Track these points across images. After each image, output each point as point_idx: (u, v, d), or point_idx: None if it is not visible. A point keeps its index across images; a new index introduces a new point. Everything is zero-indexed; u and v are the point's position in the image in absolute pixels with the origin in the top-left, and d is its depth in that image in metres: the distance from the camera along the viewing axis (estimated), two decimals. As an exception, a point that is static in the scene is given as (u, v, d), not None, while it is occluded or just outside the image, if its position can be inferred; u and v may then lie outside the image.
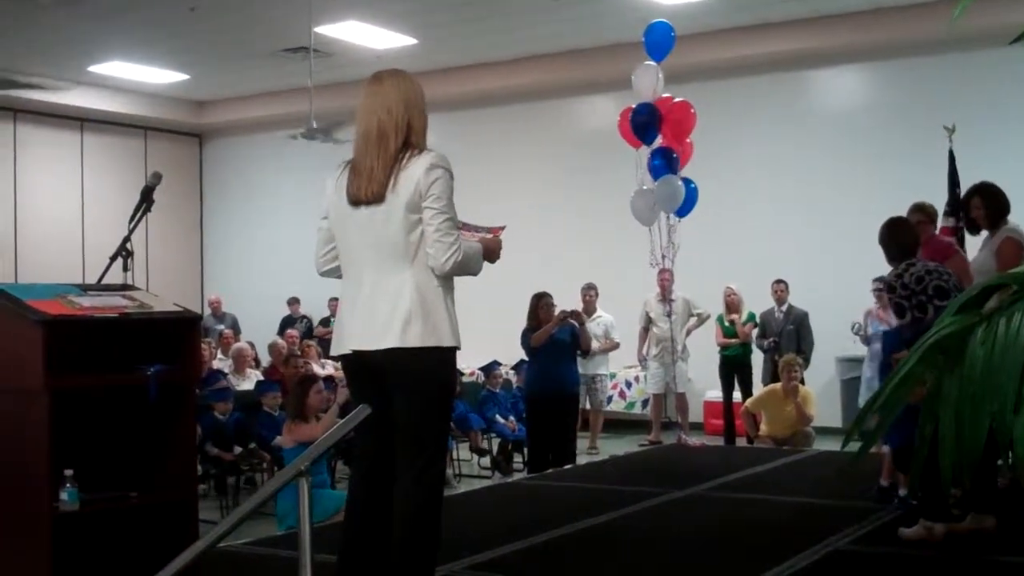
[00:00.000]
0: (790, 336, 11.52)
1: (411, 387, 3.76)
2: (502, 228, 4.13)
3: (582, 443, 11.44)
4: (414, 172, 3.73)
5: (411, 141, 3.79)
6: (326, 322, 15.39)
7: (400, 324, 3.71)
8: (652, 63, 9.74)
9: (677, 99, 9.87)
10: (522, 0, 11.78)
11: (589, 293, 11.21)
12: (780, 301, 11.78)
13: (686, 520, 6.27)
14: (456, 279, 3.89)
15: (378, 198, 3.75)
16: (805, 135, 13.25)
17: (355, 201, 3.81)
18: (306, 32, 11.98)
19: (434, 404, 3.83)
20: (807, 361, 11.30)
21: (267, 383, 10.08)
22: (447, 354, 3.80)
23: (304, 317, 15.68)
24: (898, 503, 5.98)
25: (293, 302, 15.74)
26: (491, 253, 4.00)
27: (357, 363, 3.88)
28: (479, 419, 10.58)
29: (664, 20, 9.99)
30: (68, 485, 4.45)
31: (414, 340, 3.71)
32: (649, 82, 9.67)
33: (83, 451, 4.65)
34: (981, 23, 10.28)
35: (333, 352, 4.06)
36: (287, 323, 15.35)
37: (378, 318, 3.76)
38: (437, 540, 3.84)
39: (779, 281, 11.80)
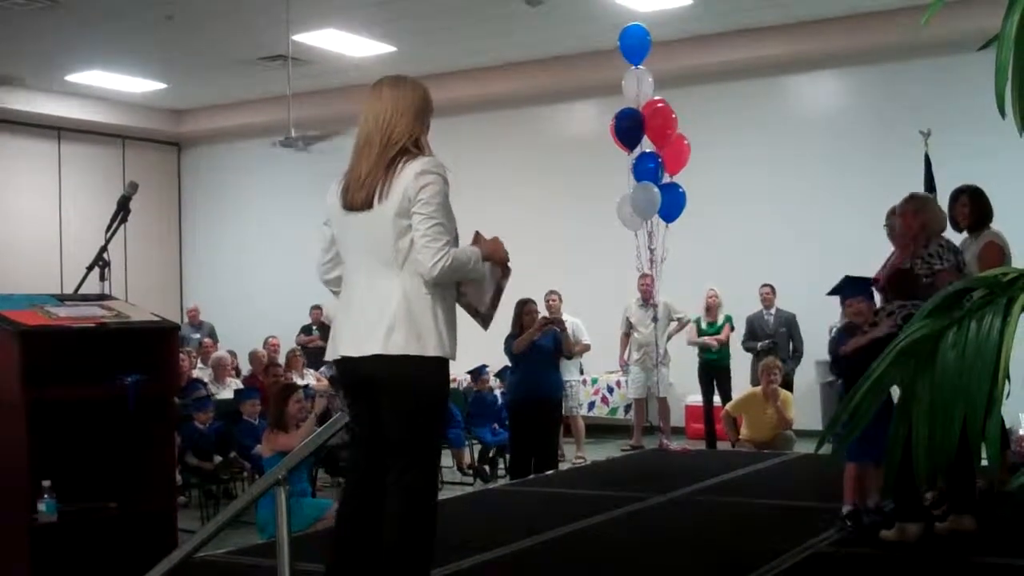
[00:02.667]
0: (783, 338, 11.59)
1: (394, 396, 3.71)
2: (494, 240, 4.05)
3: (568, 451, 11.44)
4: (404, 178, 3.70)
5: (406, 147, 3.75)
6: (307, 330, 15.33)
7: (383, 331, 3.66)
8: (642, 68, 9.77)
9: (659, 104, 9.90)
10: (500, 8, 11.79)
11: (552, 298, 11.24)
12: (767, 304, 11.83)
13: (668, 524, 6.28)
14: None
15: (367, 204, 3.73)
16: (784, 140, 13.32)
17: (349, 207, 3.80)
18: (284, 40, 11.96)
19: (419, 414, 3.73)
20: (798, 361, 11.44)
21: (246, 391, 10.04)
22: (432, 364, 3.70)
23: (322, 324, 15.48)
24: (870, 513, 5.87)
25: (316, 308, 15.53)
26: (494, 254, 3.94)
27: (348, 368, 3.85)
28: (461, 436, 10.56)
29: (639, 24, 10.00)
30: (46, 496, 4.44)
31: (396, 348, 3.65)
32: (639, 87, 9.72)
33: (61, 462, 4.63)
34: (953, 29, 10.37)
35: (327, 357, 4.06)
36: (306, 331, 15.26)
37: (365, 324, 3.72)
38: (428, 554, 3.77)
39: (766, 285, 11.85)
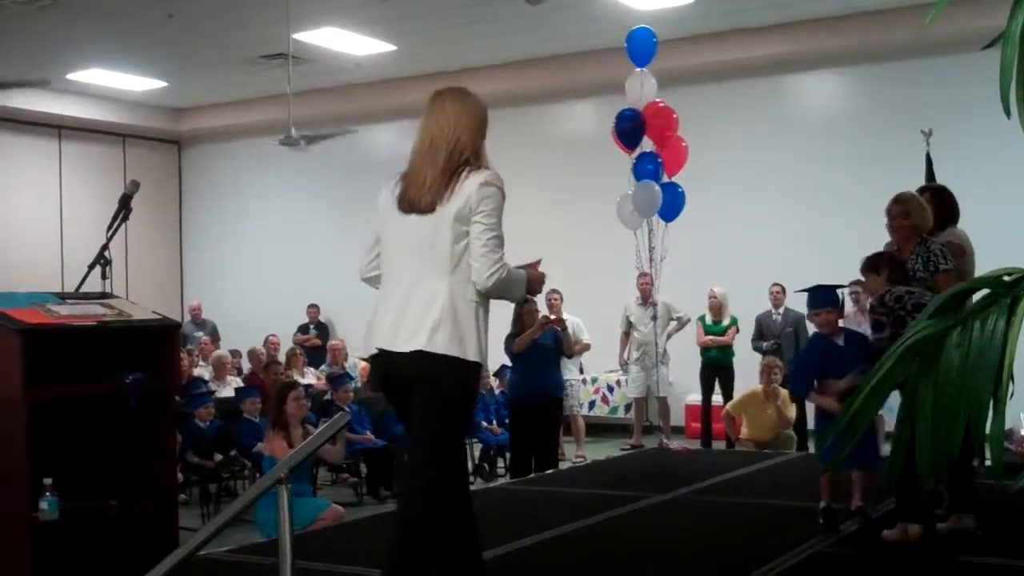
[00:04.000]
0: (789, 338, 11.53)
1: (429, 392, 3.78)
2: (539, 261, 4.18)
3: (568, 450, 11.44)
4: (468, 186, 3.77)
5: (468, 159, 3.84)
6: (305, 329, 15.35)
7: (428, 329, 3.73)
8: (644, 69, 9.76)
9: (661, 105, 9.88)
10: (500, 7, 11.79)
11: (553, 297, 11.25)
12: (777, 304, 11.78)
13: (668, 524, 6.28)
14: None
15: (430, 209, 3.79)
16: (784, 139, 13.32)
17: (408, 209, 3.85)
18: (284, 39, 11.96)
19: (449, 414, 3.81)
20: None
21: (247, 389, 10.05)
22: (468, 367, 3.78)
23: (320, 323, 15.55)
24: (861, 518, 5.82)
25: (312, 307, 15.60)
26: (535, 283, 4.04)
27: (384, 363, 3.90)
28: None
29: (646, 26, 10.00)
30: (48, 494, 4.44)
31: (439, 346, 3.72)
32: (642, 88, 9.72)
33: (62, 460, 4.63)
34: (954, 29, 10.38)
35: (361, 353, 4.09)
36: (303, 330, 15.30)
37: (409, 321, 3.78)
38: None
39: (776, 284, 11.81)
